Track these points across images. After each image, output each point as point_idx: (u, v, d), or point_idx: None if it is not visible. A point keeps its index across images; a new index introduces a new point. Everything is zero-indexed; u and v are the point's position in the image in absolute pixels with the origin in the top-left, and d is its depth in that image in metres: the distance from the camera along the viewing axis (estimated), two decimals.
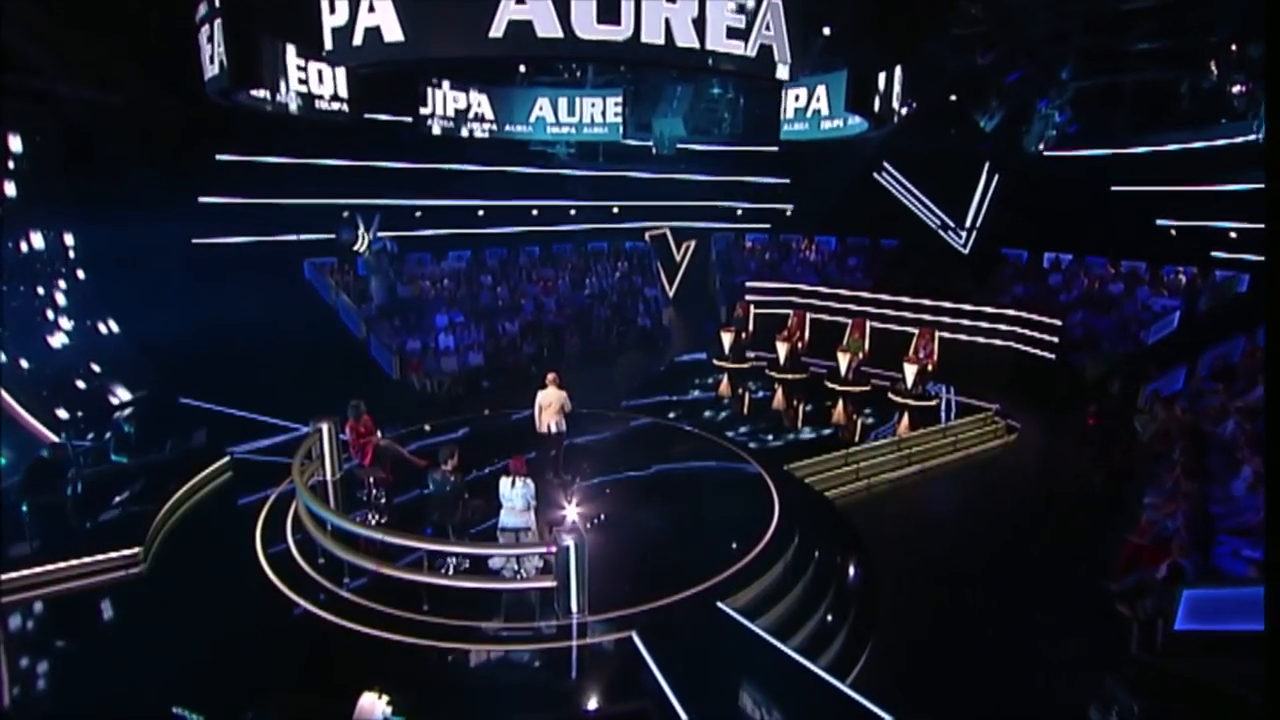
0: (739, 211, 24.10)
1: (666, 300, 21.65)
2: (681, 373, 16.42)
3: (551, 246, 21.62)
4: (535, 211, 20.78)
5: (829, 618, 7.52)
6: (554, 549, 6.66)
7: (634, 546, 8.34)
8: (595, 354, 18.20)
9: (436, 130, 13.49)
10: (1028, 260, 19.64)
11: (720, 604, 7.08)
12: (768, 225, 24.32)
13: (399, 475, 9.32)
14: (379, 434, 9.00)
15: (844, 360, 15.62)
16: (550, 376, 9.54)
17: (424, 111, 13.54)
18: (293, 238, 16.37)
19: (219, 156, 14.68)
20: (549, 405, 9.48)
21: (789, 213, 24.28)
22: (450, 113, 13.92)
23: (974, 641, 7.52)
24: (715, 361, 17.17)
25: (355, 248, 16.06)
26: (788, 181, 23.34)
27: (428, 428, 11.05)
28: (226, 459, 10.22)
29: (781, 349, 16.59)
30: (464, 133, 13.73)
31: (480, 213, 19.70)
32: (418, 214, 18.53)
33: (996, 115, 11.10)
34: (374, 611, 6.79)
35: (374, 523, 8.43)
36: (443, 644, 6.47)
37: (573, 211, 21.67)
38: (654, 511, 9.15)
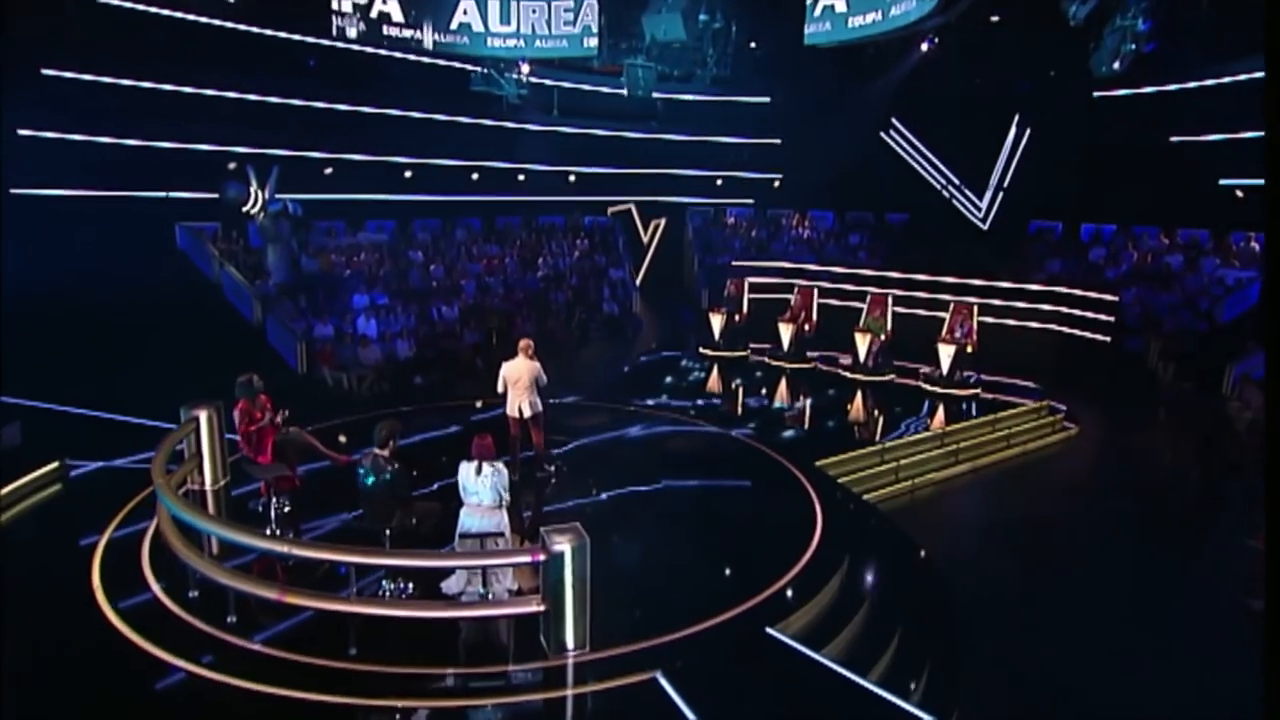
0: (719, 181, 23.44)
1: (634, 286, 20.70)
2: (660, 367, 15.50)
3: (495, 219, 20.48)
4: (475, 175, 19.56)
5: (905, 646, 6.41)
6: (541, 557, 5.36)
7: (644, 562, 7.15)
8: (553, 344, 17.01)
9: (351, 33, 12.11)
10: (1063, 233, 19.36)
11: (771, 629, 5.89)
12: (751, 200, 23.84)
13: (315, 482, 7.89)
14: (280, 415, 7.53)
15: (863, 343, 14.80)
16: (522, 344, 8.49)
17: (334, 5, 12.10)
18: (160, 194, 14.73)
19: (45, 70, 12.92)
20: (518, 381, 8.35)
21: (777, 184, 23.76)
22: (348, 7, 12.54)
23: (1095, 677, 6.56)
24: (703, 350, 16.27)
25: (246, 209, 14.47)
26: (778, 142, 22.78)
27: (343, 439, 9.55)
28: (55, 465, 8.53)
29: (785, 332, 15.69)
30: (384, 43, 12.37)
31: (408, 173, 18.36)
32: (327, 170, 17.17)
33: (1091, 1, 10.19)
34: (281, 664, 5.35)
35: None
36: (380, 702, 5.08)
37: (521, 177, 20.56)
38: (665, 518, 8.05)
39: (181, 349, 12.03)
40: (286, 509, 7.57)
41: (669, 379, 14.46)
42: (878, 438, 11.45)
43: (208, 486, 7.91)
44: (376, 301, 15.85)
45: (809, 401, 13.36)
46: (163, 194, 14.60)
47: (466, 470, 6.17)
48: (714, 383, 14.48)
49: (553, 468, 8.94)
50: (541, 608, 5.50)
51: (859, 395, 13.72)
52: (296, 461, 7.87)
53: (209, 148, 14.78)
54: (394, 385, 14.18)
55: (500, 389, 8.47)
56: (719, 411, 12.42)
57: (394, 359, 14.80)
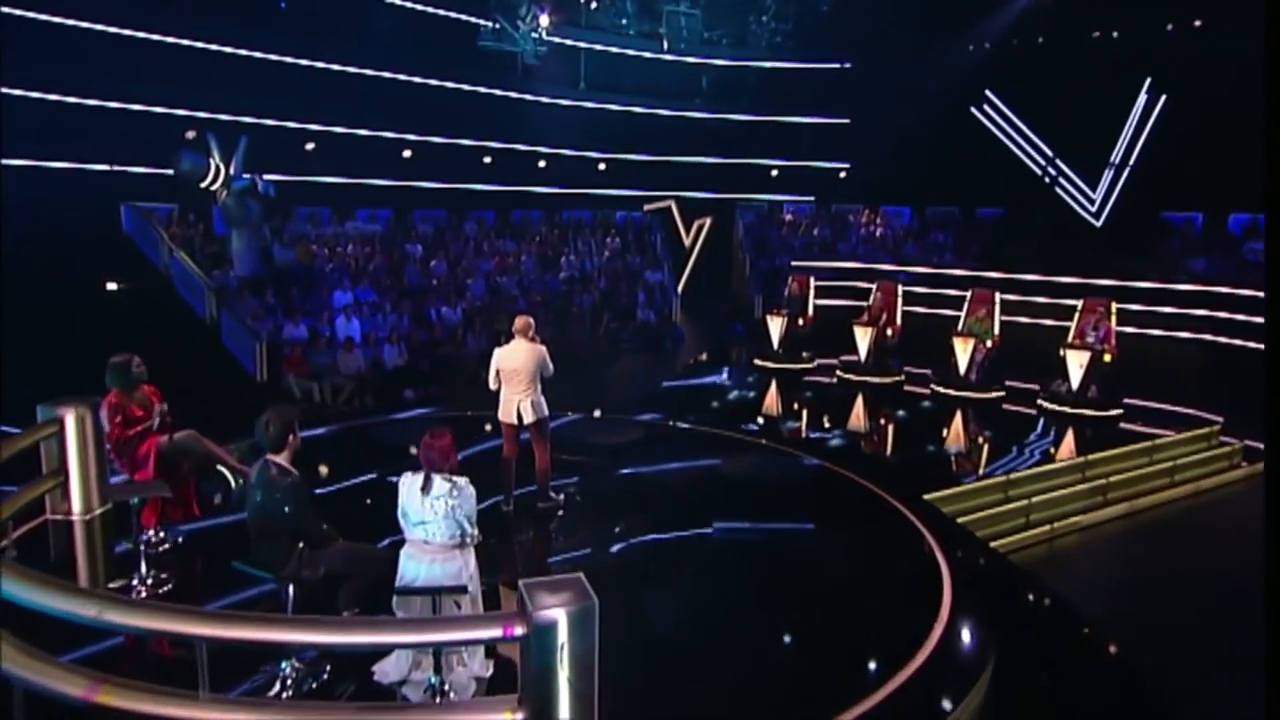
0: (775, 173, 21.80)
1: (675, 291, 19.02)
2: (707, 381, 13.98)
3: (511, 213, 19.03)
4: (488, 159, 18.14)
5: None
6: (518, 630, 3.36)
7: (683, 640, 5.16)
8: (575, 356, 15.26)
9: None
10: (1204, 224, 17.07)
11: None
12: (811, 197, 22.17)
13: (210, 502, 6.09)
14: (160, 409, 5.74)
15: (964, 351, 12.67)
16: (519, 322, 6.73)
17: None
18: (103, 167, 13.54)
19: None
20: (516, 373, 6.58)
21: (844, 174, 22.00)
22: None
23: None
24: (759, 361, 14.54)
25: (204, 184, 12.99)
26: (846, 122, 21.00)
27: (324, 469, 7.85)
28: None
29: (863, 339, 13.66)
30: None
31: (407, 153, 17.01)
32: (309, 145, 15.94)
33: None
34: None
35: (146, 594, 5.12)
36: None
37: (542, 163, 19.14)
38: (715, 572, 6.16)
39: (117, 351, 10.49)
40: (168, 544, 5.71)
41: (719, 395, 12.73)
42: (997, 469, 9.30)
43: (76, 515, 6.09)
44: (362, 300, 14.27)
45: (899, 421, 11.33)
46: (105, 167, 13.18)
47: (409, 487, 4.26)
48: (775, 399, 12.57)
49: (561, 497, 7.12)
50: (517, 717, 3.49)
51: (963, 414, 11.59)
52: (192, 478, 6.09)
53: (163, 110, 13.57)
54: (379, 399, 12.54)
55: (493, 384, 6.70)
56: (783, 432, 10.54)
57: (380, 367, 13.13)
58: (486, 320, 14.67)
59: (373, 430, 9.73)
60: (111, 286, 12.27)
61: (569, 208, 19.99)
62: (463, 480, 4.36)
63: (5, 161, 12.28)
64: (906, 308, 14.94)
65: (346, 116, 15.97)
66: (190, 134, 13.65)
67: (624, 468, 8.31)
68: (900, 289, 14.78)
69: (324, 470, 7.91)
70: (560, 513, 7.01)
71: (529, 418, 6.61)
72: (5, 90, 12.24)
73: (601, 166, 20.48)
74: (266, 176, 13.92)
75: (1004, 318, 13.62)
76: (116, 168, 13.59)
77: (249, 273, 13.69)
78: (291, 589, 4.19)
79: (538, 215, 19.27)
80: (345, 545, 4.50)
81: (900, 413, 11.74)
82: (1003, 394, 12.42)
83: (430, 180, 17.60)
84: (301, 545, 4.23)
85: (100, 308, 11.84)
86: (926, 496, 7.87)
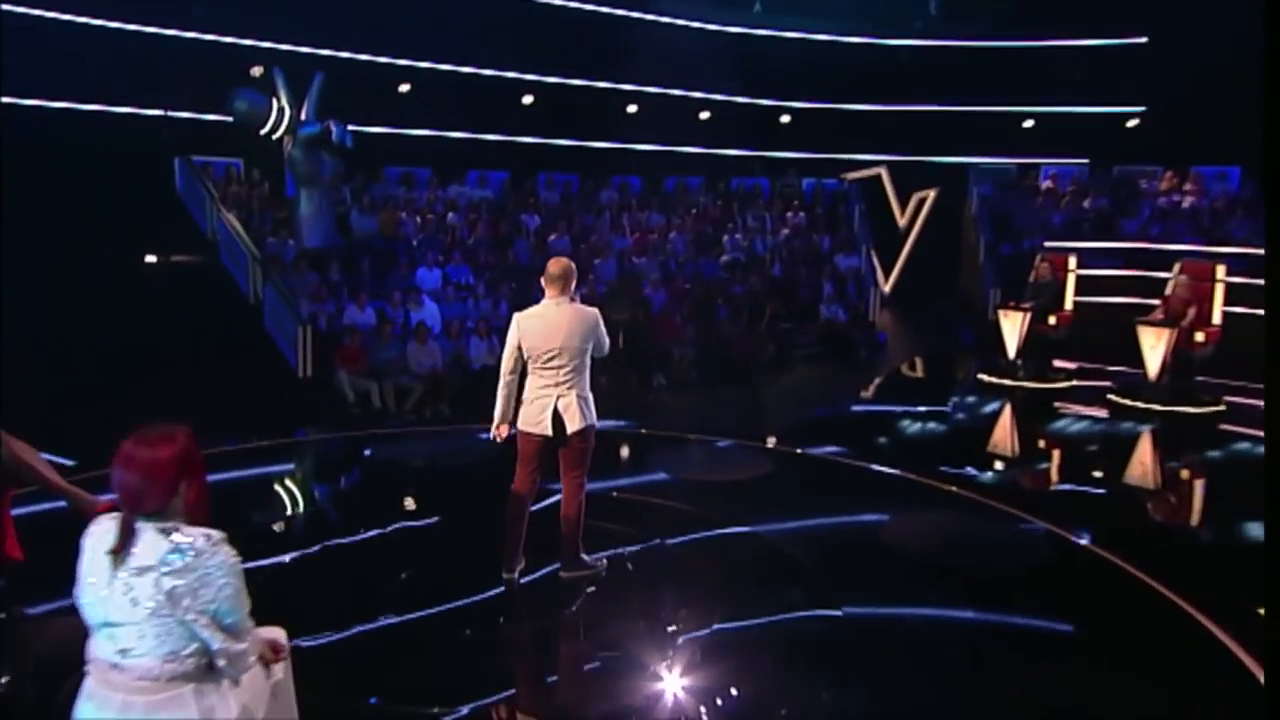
0: (1028, 122, 19.00)
1: (875, 281, 16.76)
2: (905, 403, 11.79)
3: (664, 179, 17.50)
4: (633, 107, 16.66)
5: None
6: None
7: None
8: (730, 363, 13.43)
9: None
10: None
11: None
12: (1083, 157, 18.89)
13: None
14: None
15: None
16: (556, 267, 5.00)
17: None
18: (155, 112, 13.17)
19: None
20: (554, 353, 4.87)
21: (1134, 121, 18.61)
22: None
23: None
24: (986, 375, 12.20)
25: (265, 130, 12.17)
26: (1143, 42, 17.50)
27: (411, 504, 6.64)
28: None
29: (1154, 346, 10.53)
30: None
31: (528, 98, 15.79)
32: (404, 87, 15.01)
33: None
34: None
35: None
36: None
37: (704, 114, 17.49)
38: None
39: (139, 339, 10.31)
40: None
41: (923, 424, 10.40)
42: None
43: None
44: (454, 279, 13.16)
45: (1215, 477, 8.49)
46: (160, 112, 12.83)
47: (92, 549, 2.30)
48: (1005, 432, 10.00)
49: (602, 563, 5.30)
50: None
51: None
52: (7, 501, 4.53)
53: (230, 39, 13.13)
54: (457, 406, 11.16)
55: (507, 371, 4.97)
56: (1009, 483, 8.06)
57: (463, 365, 11.74)
58: (615, 308, 12.87)
59: (440, 454, 8.54)
60: (151, 259, 11.70)
61: (739, 173, 18.22)
62: (202, 539, 2.34)
63: (27, 102, 12.17)
64: (1228, 307, 11.45)
65: (449, 49, 15.02)
66: (256, 70, 13.04)
67: (735, 522, 6.24)
68: (1220, 276, 11.31)
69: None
70: (592, 589, 5.08)
71: (574, 424, 4.87)
72: (41, 11, 12.13)
73: (784, 119, 18.54)
74: (349, 126, 13.06)
75: None
76: (171, 113, 13.24)
77: (320, 244, 12.79)
78: None
79: (697, 183, 17.63)
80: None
81: (1214, 461, 8.90)
82: None
83: (559, 136, 16.53)
84: None
85: (135, 284, 11.25)
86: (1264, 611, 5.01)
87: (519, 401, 5.00)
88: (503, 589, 4.95)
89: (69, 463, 7.16)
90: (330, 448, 9.60)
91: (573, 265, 5.01)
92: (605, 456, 8.41)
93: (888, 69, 18.63)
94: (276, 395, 10.63)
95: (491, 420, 5.00)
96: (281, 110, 12.29)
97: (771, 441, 8.86)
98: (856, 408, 11.99)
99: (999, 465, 8.58)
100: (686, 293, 14.38)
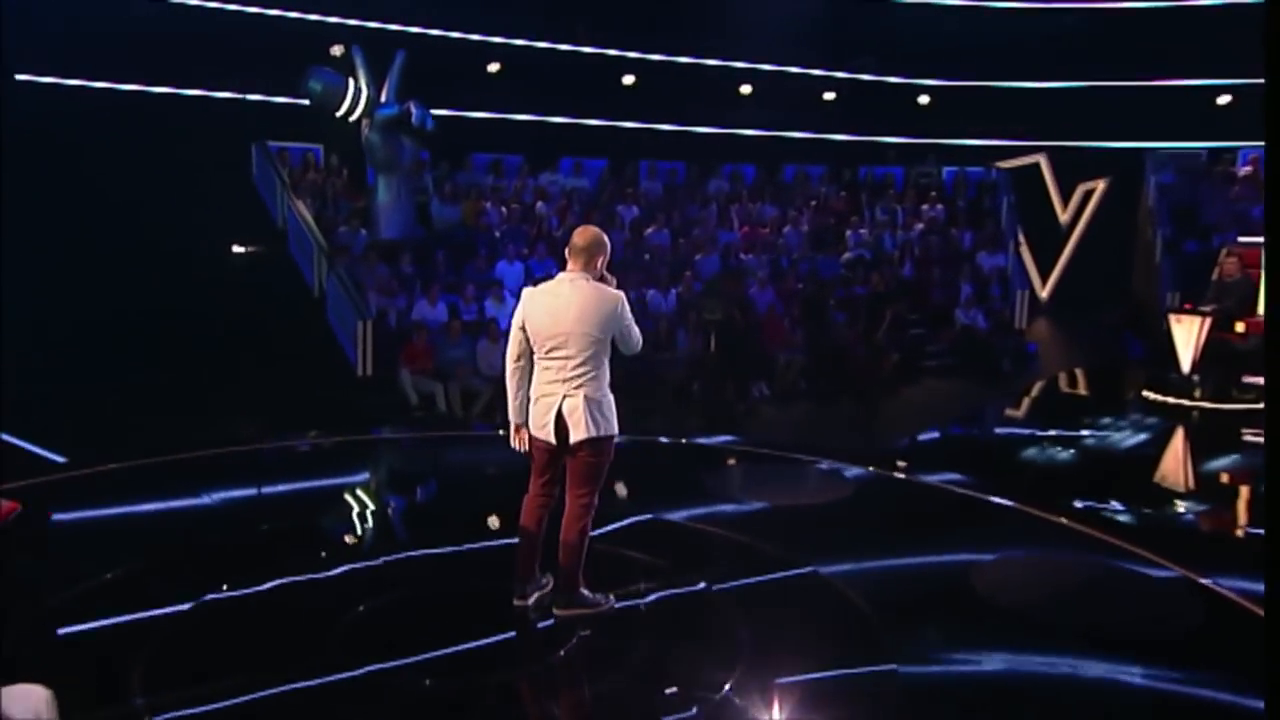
0: (1224, 98, 17.59)
1: (1025, 283, 15.77)
2: (1050, 425, 10.85)
3: (783, 167, 16.77)
4: (747, 88, 15.99)
5: None
6: None
7: None
8: (844, 373, 12.74)
9: None
10: None
11: None
12: None
13: None
14: None
15: None
16: (581, 237, 4.45)
17: None
18: (231, 95, 13.36)
19: None
20: (562, 338, 4.31)
21: None
22: None
23: None
24: (1151, 392, 11.08)
25: (342, 112, 12.16)
26: None
27: (496, 522, 6.04)
28: None
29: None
30: None
31: (628, 79, 15.38)
32: (493, 67, 14.80)
33: None
34: None
35: None
36: None
37: (829, 94, 16.68)
38: None
39: (197, 332, 10.49)
40: None
41: (1062, 448, 9.43)
42: None
43: None
44: (537, 276, 12.71)
45: None
46: (233, 95, 13.15)
47: None
48: (1173, 462, 8.95)
49: (609, 602, 4.63)
50: None
51: None
52: None
53: (311, 16, 13.24)
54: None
55: (512, 361, 4.47)
56: (1163, 525, 7.00)
57: None
58: (703, 306, 12.29)
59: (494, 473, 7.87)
60: (238, 249, 11.86)
61: (868, 161, 17.33)
62: None
63: (97, 84, 12.51)
64: None
65: (546, 26, 14.86)
66: (336, 49, 13.11)
67: (801, 562, 5.43)
68: None
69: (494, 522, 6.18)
70: (586, 632, 4.42)
71: (578, 433, 4.29)
72: None
73: (923, 99, 17.44)
74: (432, 110, 12.95)
75: None
76: (248, 96, 13.47)
77: (398, 234, 12.75)
78: None
79: (818, 172, 16.87)
80: None
81: None
82: None
83: (663, 120, 16.04)
84: None
85: (204, 273, 11.40)
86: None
87: (513, 395, 4.49)
88: (517, 611, 4.47)
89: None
90: (381, 451, 9.39)
91: (604, 238, 4.43)
92: (674, 474, 7.82)
93: (1049, 39, 17.38)
94: (334, 393, 10.53)
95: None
96: (359, 91, 12.24)
97: (871, 466, 7.97)
98: (989, 429, 11.06)
99: (1152, 502, 7.47)
100: (797, 293, 13.64)
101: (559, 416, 4.26)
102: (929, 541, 6.03)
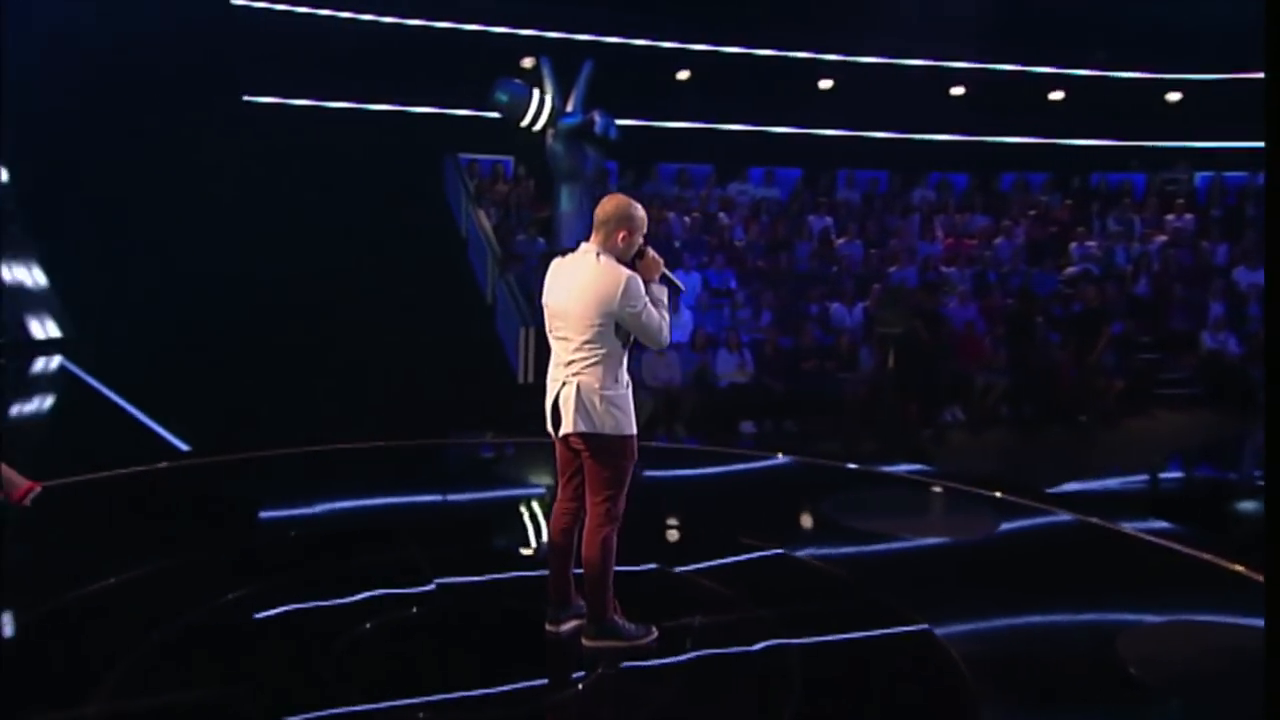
0: None
1: None
2: None
3: (998, 177, 15.43)
4: (960, 89, 14.77)
5: None
6: None
7: None
8: (1051, 400, 11.45)
9: None
10: None
11: None
12: None
13: None
14: None
15: None
16: (601, 209, 3.92)
17: None
18: (428, 110, 13.74)
19: None
20: (565, 318, 3.85)
21: None
22: None
23: None
24: None
25: (526, 122, 12.18)
26: None
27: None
28: None
29: None
30: None
31: (825, 83, 14.51)
32: (682, 74, 14.48)
33: None
34: None
35: None
36: None
37: (1056, 94, 15.08)
38: None
39: (381, 341, 10.77)
40: None
41: None
42: None
43: None
44: (715, 285, 12.31)
45: None
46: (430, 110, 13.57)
47: None
48: None
49: (650, 636, 4.03)
50: None
51: None
52: None
53: (505, 29, 13.51)
54: (696, 427, 10.49)
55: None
56: None
57: (707, 381, 10.87)
58: (880, 319, 11.30)
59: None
60: (411, 259, 12.31)
61: (1101, 167, 15.55)
62: None
63: (296, 102, 13.14)
64: None
65: (731, 31, 14.36)
66: (527, 61, 13.11)
67: (899, 619, 4.47)
68: None
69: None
70: (609, 671, 3.79)
71: (568, 425, 3.78)
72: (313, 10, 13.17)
73: (1173, 96, 15.37)
74: (621, 119, 12.78)
75: None
76: (446, 110, 13.84)
77: (575, 244, 12.57)
78: None
79: (1039, 179, 15.25)
80: None
81: None
82: None
83: (865, 128, 15.11)
84: None
85: (395, 284, 11.82)
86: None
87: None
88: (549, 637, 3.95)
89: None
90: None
91: (631, 210, 3.82)
92: (826, 504, 6.81)
93: None
94: (497, 401, 10.50)
95: None
96: (543, 101, 12.28)
97: (1058, 507, 6.77)
98: (1222, 470, 9.76)
99: None
100: (1002, 309, 12.32)
101: (556, 405, 3.80)
102: (1084, 598, 4.92)
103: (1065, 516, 6.56)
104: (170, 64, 12.16)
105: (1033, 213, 14.67)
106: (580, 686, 3.75)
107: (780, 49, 14.80)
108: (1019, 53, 15.10)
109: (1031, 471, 8.84)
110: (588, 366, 3.73)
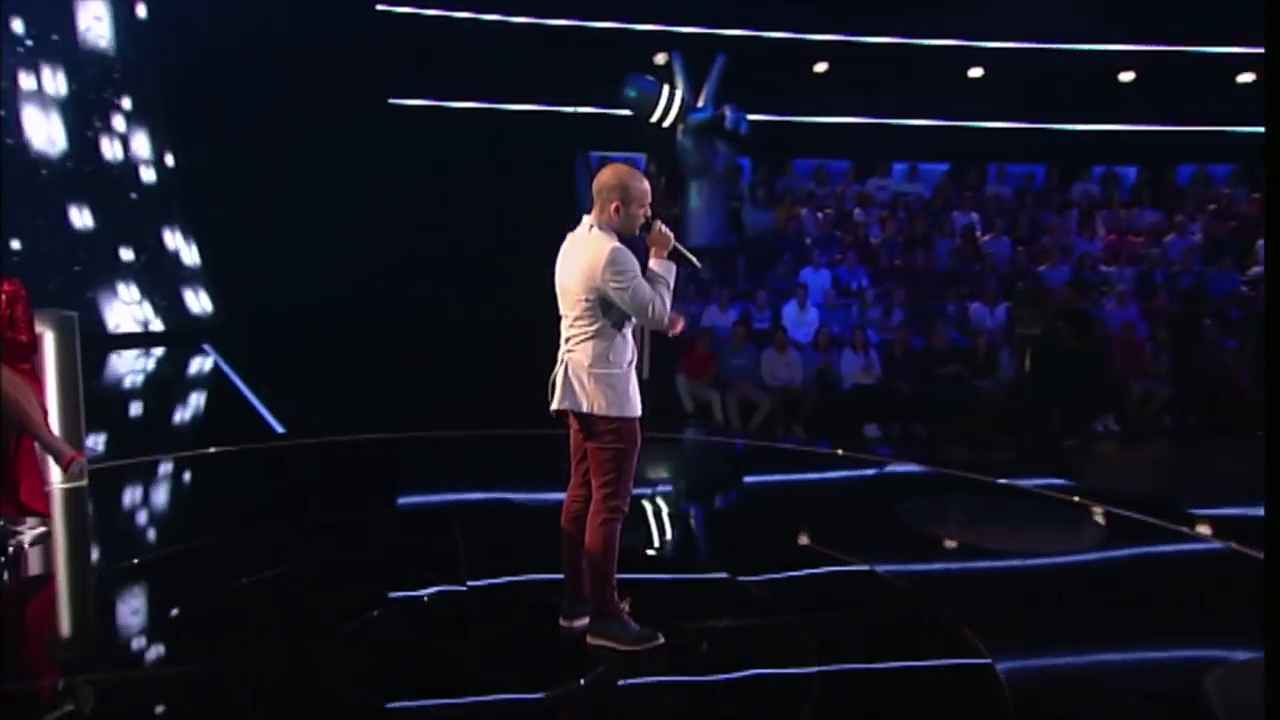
0: None
1: None
2: None
3: (1174, 169, 14.18)
4: (1129, 74, 13.70)
5: None
6: None
7: None
8: (1224, 410, 10.46)
9: None
10: None
11: None
12: None
13: None
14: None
15: None
16: (597, 178, 3.74)
17: None
18: (566, 109, 13.82)
19: None
20: (564, 294, 3.75)
21: None
22: None
23: None
24: None
25: (656, 118, 12.08)
26: None
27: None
28: None
29: None
30: None
31: (975, 71, 13.97)
32: (820, 66, 13.83)
33: None
34: None
35: None
36: None
37: (1246, 76, 13.98)
38: None
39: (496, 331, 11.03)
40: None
41: None
42: None
43: None
44: (847, 284, 11.86)
45: None
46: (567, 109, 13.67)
47: None
48: None
49: (649, 643, 3.73)
50: None
51: None
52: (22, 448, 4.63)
53: (644, 27, 13.52)
54: (816, 429, 10.04)
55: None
56: None
57: (831, 381, 10.41)
58: (1017, 319, 10.47)
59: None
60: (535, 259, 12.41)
61: None
62: None
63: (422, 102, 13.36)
64: None
65: (880, 19, 13.68)
66: (660, 57, 13.07)
67: (961, 649, 3.90)
68: None
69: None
70: (607, 670, 3.58)
71: (556, 401, 3.66)
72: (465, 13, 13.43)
73: None
74: (754, 114, 12.50)
75: None
76: (580, 109, 13.87)
77: (709, 242, 12.43)
78: None
79: (1223, 172, 13.81)
80: None
81: None
82: None
83: (1018, 119, 14.08)
84: None
85: (523, 281, 11.95)
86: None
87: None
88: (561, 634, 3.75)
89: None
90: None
91: (626, 180, 3.60)
92: (938, 519, 6.09)
93: None
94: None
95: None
96: (673, 96, 12.11)
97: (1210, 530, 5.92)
98: None
99: None
100: (1167, 312, 11.18)
101: (553, 385, 3.67)
102: (1180, 630, 4.28)
103: (1215, 544, 5.72)
104: (320, 66, 12.75)
105: (1212, 207, 13.30)
106: (565, 689, 3.46)
107: (924, 37, 14.07)
108: (1199, 32, 13.67)
109: (1187, 490, 7.94)
110: (580, 343, 3.56)
